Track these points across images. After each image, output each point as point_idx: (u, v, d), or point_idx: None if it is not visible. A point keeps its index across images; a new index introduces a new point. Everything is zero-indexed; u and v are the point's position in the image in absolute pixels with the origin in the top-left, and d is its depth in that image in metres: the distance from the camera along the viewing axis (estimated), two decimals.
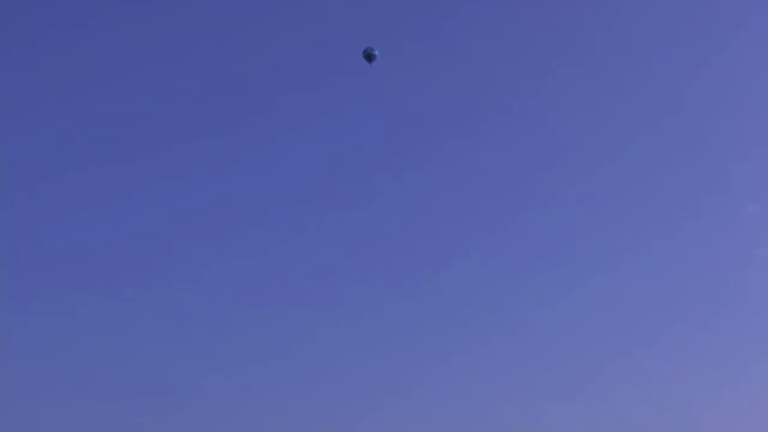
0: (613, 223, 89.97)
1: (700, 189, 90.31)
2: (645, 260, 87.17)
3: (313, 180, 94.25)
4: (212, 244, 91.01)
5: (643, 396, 79.85)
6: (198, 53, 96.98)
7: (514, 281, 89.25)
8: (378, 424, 79.39)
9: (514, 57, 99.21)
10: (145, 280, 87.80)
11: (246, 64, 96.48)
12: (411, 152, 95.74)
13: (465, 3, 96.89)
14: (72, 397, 79.56)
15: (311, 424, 79.36)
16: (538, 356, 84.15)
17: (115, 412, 78.44)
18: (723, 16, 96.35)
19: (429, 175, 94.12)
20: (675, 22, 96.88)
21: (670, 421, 76.65)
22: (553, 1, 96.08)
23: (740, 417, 77.21)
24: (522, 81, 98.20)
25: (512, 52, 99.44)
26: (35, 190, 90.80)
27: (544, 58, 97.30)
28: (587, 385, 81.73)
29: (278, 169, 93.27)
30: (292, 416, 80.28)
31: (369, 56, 59.76)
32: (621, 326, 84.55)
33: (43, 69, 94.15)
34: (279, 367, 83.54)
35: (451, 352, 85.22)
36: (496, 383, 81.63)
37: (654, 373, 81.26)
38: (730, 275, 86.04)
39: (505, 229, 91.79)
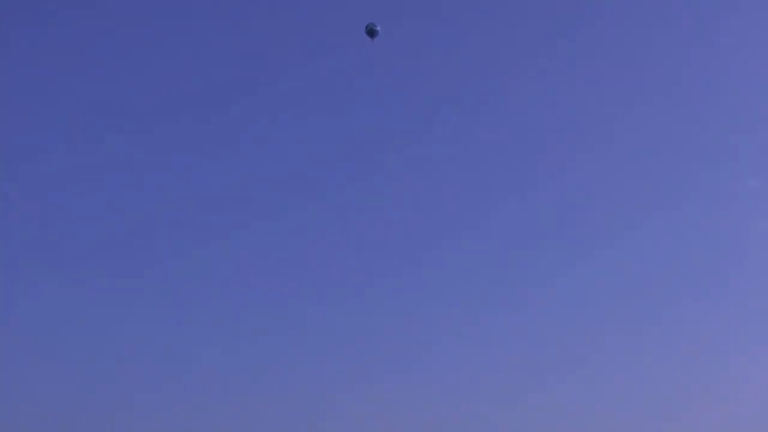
0: (614, 199, 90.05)
1: (700, 164, 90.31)
2: (645, 235, 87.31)
3: (313, 156, 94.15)
4: (212, 221, 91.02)
5: (643, 371, 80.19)
6: (197, 30, 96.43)
7: (516, 256, 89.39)
8: (379, 399, 79.79)
9: (515, 34, 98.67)
10: (144, 256, 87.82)
11: (246, 40, 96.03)
12: (412, 128, 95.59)
13: None
14: (71, 373, 79.87)
15: (312, 399, 79.80)
16: (540, 331, 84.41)
17: (114, 387, 78.84)
18: None
19: (430, 151, 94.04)
20: None
21: (671, 396, 77.08)
22: None
23: (741, 391, 77.60)
24: (522, 56, 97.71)
25: (513, 29, 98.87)
26: (32, 166, 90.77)
27: (545, 36, 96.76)
28: (588, 360, 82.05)
29: (278, 146, 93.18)
30: (293, 391, 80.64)
31: (371, 32, 59.63)
32: (621, 301, 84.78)
33: (42, 52, 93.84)
34: (279, 343, 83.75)
35: (452, 327, 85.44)
36: (497, 358, 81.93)
37: (654, 347, 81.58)
38: (730, 249, 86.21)
39: (506, 205, 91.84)
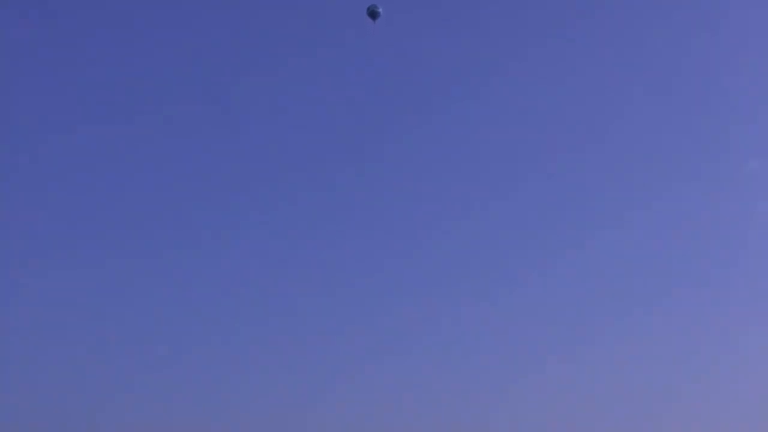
0: (615, 181, 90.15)
1: (700, 145, 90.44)
2: (646, 217, 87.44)
3: (315, 140, 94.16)
4: (216, 205, 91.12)
5: (643, 352, 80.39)
6: (196, 13, 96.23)
7: (516, 239, 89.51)
8: (379, 380, 79.95)
9: (518, 15, 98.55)
10: (149, 240, 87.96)
11: (246, 23, 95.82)
12: (414, 111, 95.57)
13: None
14: (77, 354, 79.95)
15: (307, 388, 79.87)
16: (537, 316, 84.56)
17: (118, 369, 78.95)
18: None
19: (432, 134, 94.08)
20: None
21: (671, 377, 77.32)
22: None
23: (741, 373, 77.84)
24: (526, 38, 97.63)
25: (516, 10, 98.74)
26: (39, 148, 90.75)
27: (549, 15, 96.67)
28: (585, 345, 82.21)
29: (280, 130, 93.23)
30: (293, 373, 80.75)
31: (373, 14, 59.59)
32: (622, 283, 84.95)
33: (46, 32, 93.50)
34: (281, 324, 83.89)
35: (453, 309, 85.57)
36: (498, 340, 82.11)
37: (655, 328, 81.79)
38: (731, 231, 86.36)
39: (506, 187, 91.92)
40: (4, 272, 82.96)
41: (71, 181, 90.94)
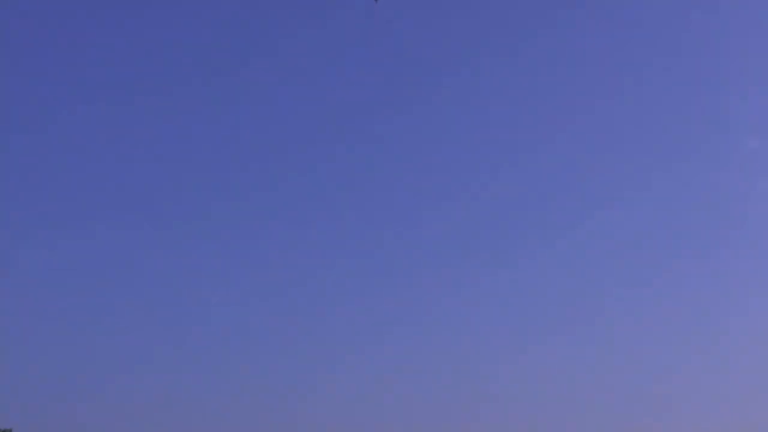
0: (614, 160, 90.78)
1: (700, 124, 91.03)
2: (645, 196, 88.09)
3: (313, 119, 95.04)
4: (217, 183, 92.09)
5: (643, 330, 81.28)
6: None
7: (515, 218, 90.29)
8: (380, 359, 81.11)
9: (516, 3, 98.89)
10: (151, 215, 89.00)
11: (237, 8, 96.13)
12: (412, 91, 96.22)
13: None
14: (82, 324, 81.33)
15: (316, 358, 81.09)
16: (539, 291, 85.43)
17: (124, 339, 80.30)
18: None
19: (431, 114, 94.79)
20: None
21: (671, 355, 78.28)
22: None
23: (740, 349, 78.73)
24: (522, 20, 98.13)
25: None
26: (46, 126, 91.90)
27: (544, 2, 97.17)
28: (588, 320, 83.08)
29: (280, 109, 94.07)
30: (296, 351, 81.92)
31: None
32: (621, 261, 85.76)
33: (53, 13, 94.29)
34: (283, 303, 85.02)
35: (452, 288, 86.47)
36: (497, 317, 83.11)
37: (654, 306, 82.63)
38: (730, 209, 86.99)
39: (505, 167, 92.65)
40: (13, 243, 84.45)
41: (74, 159, 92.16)
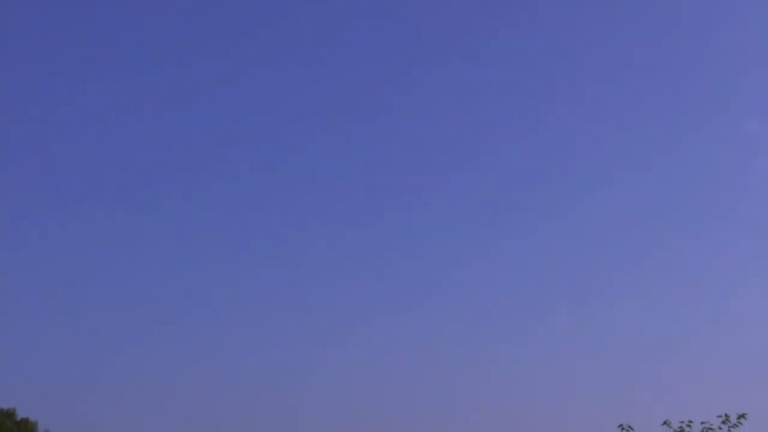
0: (615, 138, 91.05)
1: (700, 104, 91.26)
2: (646, 175, 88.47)
3: (320, 94, 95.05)
4: (222, 160, 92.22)
5: (644, 305, 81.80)
6: None
7: (518, 195, 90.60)
8: (385, 332, 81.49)
9: None
10: (157, 193, 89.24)
11: None
12: (417, 66, 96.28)
13: None
14: (86, 304, 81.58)
15: (318, 334, 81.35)
16: (542, 268, 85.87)
17: (125, 322, 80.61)
18: None
19: (436, 89, 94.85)
20: None
21: (671, 330, 78.77)
22: None
23: (740, 325, 79.21)
24: None
25: None
26: (49, 105, 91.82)
27: None
28: (590, 295, 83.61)
29: (286, 84, 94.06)
30: (300, 324, 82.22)
31: None
32: (623, 238, 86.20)
33: None
34: (284, 278, 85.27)
35: (461, 261, 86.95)
36: (502, 293, 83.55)
37: (655, 283, 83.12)
38: (729, 188, 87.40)
39: (509, 143, 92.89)
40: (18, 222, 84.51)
41: (78, 136, 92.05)
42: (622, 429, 17.41)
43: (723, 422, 17.15)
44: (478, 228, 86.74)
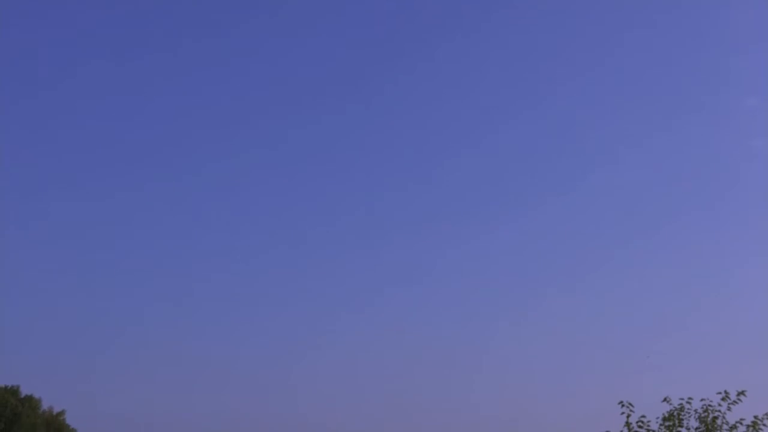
0: (614, 116, 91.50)
1: (699, 82, 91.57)
2: (645, 152, 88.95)
3: (324, 72, 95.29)
4: (225, 137, 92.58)
5: (643, 283, 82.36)
6: None
7: (518, 174, 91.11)
8: (385, 309, 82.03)
9: None
10: (161, 170, 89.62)
11: None
12: (421, 45, 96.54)
13: None
14: (90, 280, 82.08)
15: (319, 312, 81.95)
16: (541, 246, 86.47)
17: (128, 300, 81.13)
18: None
19: (437, 68, 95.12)
20: None
21: (671, 307, 79.34)
22: None
23: (738, 302, 79.80)
24: None
25: None
26: (58, 83, 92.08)
27: None
28: (589, 272, 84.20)
29: (290, 62, 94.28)
30: (298, 305, 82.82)
31: None
32: (622, 216, 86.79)
33: None
34: (285, 257, 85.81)
35: (459, 240, 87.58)
36: (503, 270, 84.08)
37: (654, 260, 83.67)
38: (727, 165, 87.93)
39: (510, 122, 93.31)
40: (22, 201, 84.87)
41: (79, 114, 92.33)
42: (623, 405, 17.66)
43: (723, 399, 17.40)
44: (476, 209, 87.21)
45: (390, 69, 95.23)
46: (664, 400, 17.60)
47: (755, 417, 17.33)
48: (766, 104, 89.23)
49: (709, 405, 17.42)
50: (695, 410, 17.56)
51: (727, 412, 17.34)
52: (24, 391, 60.10)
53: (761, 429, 17.27)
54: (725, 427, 17.25)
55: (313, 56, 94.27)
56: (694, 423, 17.47)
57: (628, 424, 17.49)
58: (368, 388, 76.40)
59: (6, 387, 59.11)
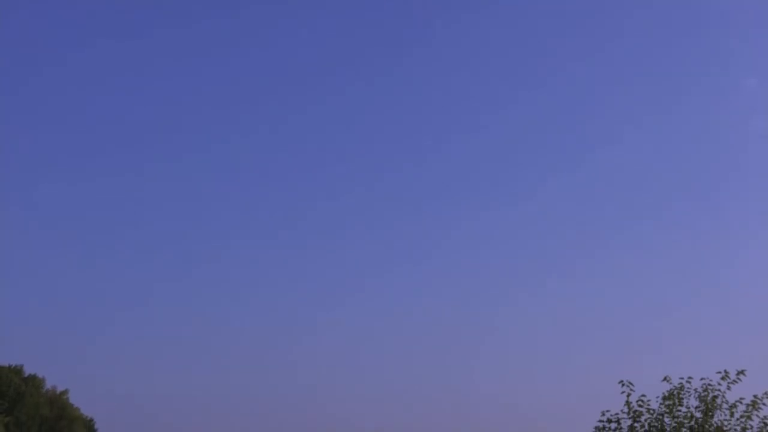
0: (614, 98, 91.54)
1: (698, 63, 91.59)
2: (644, 133, 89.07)
3: (325, 54, 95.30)
4: (225, 120, 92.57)
5: (643, 265, 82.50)
6: None
7: (519, 154, 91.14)
8: (384, 291, 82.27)
9: None
10: (160, 152, 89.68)
11: None
12: (419, 29, 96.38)
13: None
14: (92, 261, 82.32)
15: (319, 295, 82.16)
16: (544, 226, 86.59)
17: (129, 279, 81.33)
18: None
19: (437, 51, 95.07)
20: None
21: (672, 287, 79.56)
22: None
23: (738, 282, 79.96)
24: None
25: None
26: (58, 64, 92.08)
27: None
28: (589, 255, 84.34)
29: (291, 44, 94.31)
30: (298, 285, 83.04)
31: None
32: (622, 198, 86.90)
33: None
34: (285, 237, 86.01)
35: (458, 222, 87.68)
36: (502, 252, 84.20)
37: (654, 242, 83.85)
38: (727, 146, 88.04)
39: (510, 104, 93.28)
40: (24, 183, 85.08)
41: (82, 95, 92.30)
42: (623, 385, 17.77)
43: (722, 378, 17.49)
44: (474, 192, 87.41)
45: (390, 50, 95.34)
46: (664, 379, 17.70)
47: (755, 396, 17.45)
48: (765, 84, 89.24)
49: (709, 384, 17.53)
50: (695, 389, 17.66)
51: (727, 391, 17.45)
52: (27, 371, 60.37)
53: (761, 408, 17.39)
54: (725, 406, 17.37)
55: (314, 38, 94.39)
56: (694, 402, 17.58)
57: (628, 403, 17.61)
58: (368, 369, 76.73)
59: (9, 366, 59.44)
